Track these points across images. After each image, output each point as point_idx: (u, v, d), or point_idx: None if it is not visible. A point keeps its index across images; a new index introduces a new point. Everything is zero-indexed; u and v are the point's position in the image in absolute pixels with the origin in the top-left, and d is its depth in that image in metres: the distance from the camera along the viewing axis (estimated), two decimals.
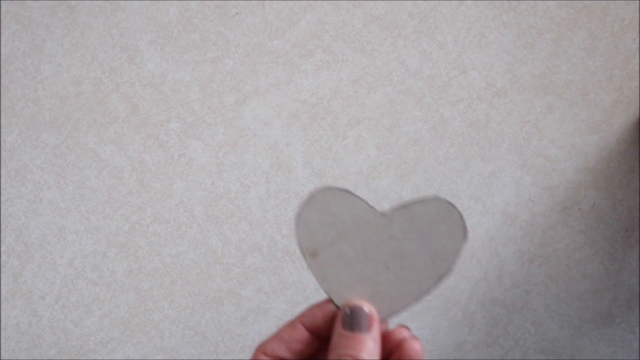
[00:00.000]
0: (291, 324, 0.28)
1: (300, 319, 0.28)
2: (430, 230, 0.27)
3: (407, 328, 0.28)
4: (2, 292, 0.56)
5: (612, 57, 0.58)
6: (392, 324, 0.28)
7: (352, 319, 0.27)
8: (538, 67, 0.58)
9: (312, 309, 0.28)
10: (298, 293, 0.58)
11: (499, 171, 0.59)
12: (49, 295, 0.57)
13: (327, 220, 0.28)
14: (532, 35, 0.57)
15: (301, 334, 0.28)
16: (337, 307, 0.28)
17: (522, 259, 0.61)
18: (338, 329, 0.27)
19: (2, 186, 0.55)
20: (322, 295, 0.29)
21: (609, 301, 0.63)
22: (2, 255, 0.56)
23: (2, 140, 0.55)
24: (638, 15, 0.58)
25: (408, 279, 0.27)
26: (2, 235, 0.56)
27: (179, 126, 0.56)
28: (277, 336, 0.28)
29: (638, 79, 0.58)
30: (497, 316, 0.62)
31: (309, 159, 0.57)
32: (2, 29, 0.53)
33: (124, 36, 0.54)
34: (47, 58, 0.54)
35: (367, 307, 0.27)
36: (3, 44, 0.53)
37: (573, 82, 0.58)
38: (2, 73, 0.54)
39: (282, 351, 0.28)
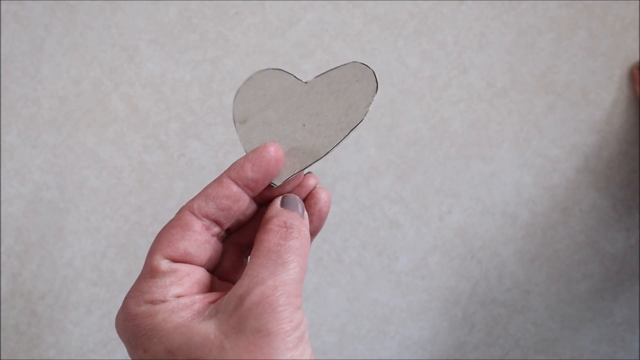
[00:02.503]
0: (217, 180, 0.27)
1: (227, 173, 0.27)
2: (346, 89, 0.29)
3: (316, 178, 0.29)
4: (1, 292, 0.56)
5: (613, 57, 0.58)
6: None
7: (289, 203, 0.28)
8: (538, 67, 0.58)
9: (237, 162, 0.27)
10: None
11: (499, 171, 0.59)
12: (48, 295, 0.57)
13: (260, 93, 0.31)
14: (533, 35, 0.57)
15: (229, 189, 0.27)
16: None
17: (523, 259, 0.61)
18: (277, 206, 0.28)
19: (1, 186, 0.55)
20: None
21: (610, 301, 0.62)
22: (1, 255, 0.56)
23: (1, 140, 0.54)
24: (639, 14, 0.58)
25: (321, 134, 0.29)
26: (1, 236, 0.55)
27: (178, 126, 0.56)
28: (203, 193, 0.27)
29: (638, 78, 0.58)
30: (497, 316, 0.62)
31: None
32: (1, 28, 0.53)
33: (124, 36, 0.54)
34: (46, 58, 0.54)
35: (300, 201, 0.28)
36: (2, 44, 0.53)
37: (573, 82, 0.58)
38: (1, 73, 0.54)
39: (210, 208, 0.27)
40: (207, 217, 0.27)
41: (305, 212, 0.28)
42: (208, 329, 0.24)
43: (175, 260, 0.27)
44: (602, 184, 0.60)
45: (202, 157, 0.56)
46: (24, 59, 0.54)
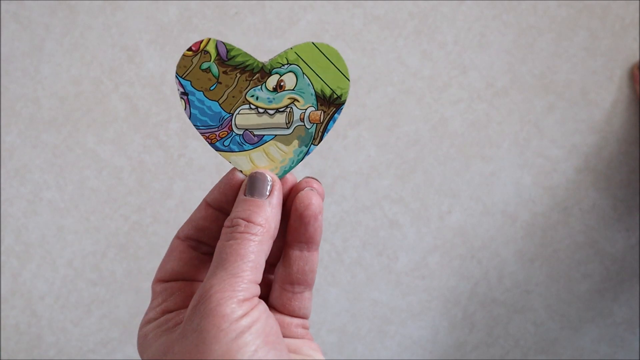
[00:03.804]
0: (199, 205, 0.29)
1: (205, 197, 0.29)
2: None
3: (316, 180, 0.28)
4: (1, 292, 0.56)
5: (613, 57, 0.58)
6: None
7: (253, 185, 0.27)
8: (538, 66, 0.58)
9: (214, 186, 0.29)
10: None
11: (499, 171, 0.59)
12: (48, 295, 0.57)
13: None
14: (533, 35, 0.57)
15: (203, 211, 0.29)
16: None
17: (523, 259, 0.61)
18: (239, 196, 0.28)
19: (1, 186, 0.55)
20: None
21: (610, 301, 0.62)
22: (1, 255, 0.56)
23: (1, 140, 0.54)
24: (639, 14, 0.58)
25: None
26: (1, 235, 0.56)
27: (178, 126, 0.56)
28: (187, 220, 0.29)
29: (639, 78, 0.58)
30: (497, 316, 0.62)
31: (308, 159, 0.57)
32: (1, 28, 0.53)
33: (124, 36, 0.54)
34: (46, 58, 0.54)
35: (269, 175, 0.28)
36: (2, 44, 0.53)
37: (573, 82, 0.58)
38: (1, 73, 0.54)
39: (190, 230, 0.29)
40: (188, 238, 0.29)
41: (276, 193, 0.27)
42: (173, 337, 0.25)
43: (166, 281, 0.29)
44: (602, 184, 0.60)
45: (202, 157, 0.56)
46: (24, 59, 0.54)
